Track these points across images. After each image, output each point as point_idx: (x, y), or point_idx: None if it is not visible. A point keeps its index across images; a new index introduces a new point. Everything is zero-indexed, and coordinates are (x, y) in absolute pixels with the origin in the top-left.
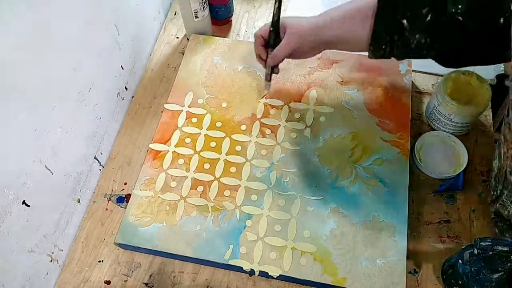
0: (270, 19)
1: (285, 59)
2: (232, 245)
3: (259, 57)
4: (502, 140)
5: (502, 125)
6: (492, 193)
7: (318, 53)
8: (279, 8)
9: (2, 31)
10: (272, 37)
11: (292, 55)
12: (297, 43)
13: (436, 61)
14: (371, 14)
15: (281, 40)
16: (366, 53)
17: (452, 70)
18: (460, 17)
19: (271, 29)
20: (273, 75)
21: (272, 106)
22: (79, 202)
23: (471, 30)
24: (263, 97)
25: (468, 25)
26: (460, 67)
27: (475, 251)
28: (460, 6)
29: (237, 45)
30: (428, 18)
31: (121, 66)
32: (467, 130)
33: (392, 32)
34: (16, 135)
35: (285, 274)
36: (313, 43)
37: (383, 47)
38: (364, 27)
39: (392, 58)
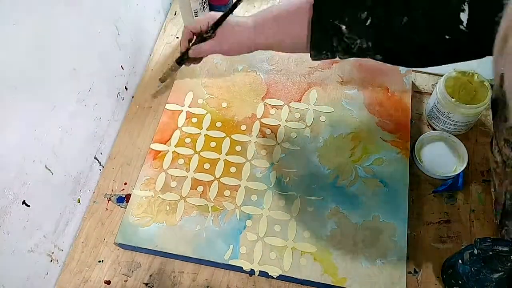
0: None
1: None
2: (232, 245)
3: (183, 47)
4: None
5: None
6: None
7: (248, 53)
8: (232, 9)
9: (2, 31)
10: (210, 29)
11: (220, 53)
12: (228, 46)
13: (385, 62)
14: (308, 17)
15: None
16: None
17: (452, 70)
18: (404, 30)
19: (210, 29)
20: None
21: (272, 106)
22: (79, 202)
23: (417, 42)
24: (263, 98)
25: (413, 38)
26: (412, 67)
27: (475, 251)
28: (404, 19)
29: None
30: (368, 22)
31: (121, 66)
32: (466, 130)
33: (330, 37)
34: (16, 135)
35: (285, 274)
36: (246, 48)
37: (324, 52)
38: (303, 30)
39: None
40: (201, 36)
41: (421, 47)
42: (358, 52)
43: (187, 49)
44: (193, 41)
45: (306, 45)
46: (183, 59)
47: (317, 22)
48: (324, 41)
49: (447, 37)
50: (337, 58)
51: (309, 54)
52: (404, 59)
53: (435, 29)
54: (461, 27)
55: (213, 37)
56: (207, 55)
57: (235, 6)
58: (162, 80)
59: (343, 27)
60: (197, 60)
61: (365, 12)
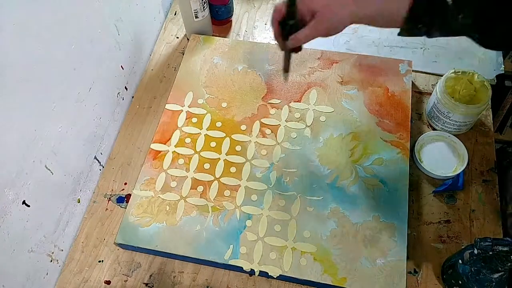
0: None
1: None
2: (232, 245)
3: (276, 35)
4: None
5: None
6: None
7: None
8: None
9: (2, 31)
10: (291, 12)
11: (318, 36)
12: (327, 30)
13: (480, 44)
14: None
15: (300, 20)
16: (366, 53)
17: (452, 70)
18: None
19: (291, 4)
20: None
21: (272, 106)
22: (79, 202)
23: None
24: (263, 98)
25: None
26: (502, 50)
27: (475, 251)
28: None
29: (237, 45)
30: None
31: (121, 66)
32: (466, 130)
33: (433, 13)
34: (16, 135)
35: (285, 274)
36: (346, 24)
37: (419, 26)
38: (403, 2)
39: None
40: (290, 20)
41: None
42: (456, 29)
43: (289, 47)
44: (285, 30)
45: (403, 17)
46: (286, 53)
47: None
48: (425, 12)
49: None
50: (425, 36)
51: (399, 29)
52: (504, 38)
53: None
54: None
55: (307, 21)
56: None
57: None
58: (286, 70)
59: (450, 0)
60: (297, 49)
61: None
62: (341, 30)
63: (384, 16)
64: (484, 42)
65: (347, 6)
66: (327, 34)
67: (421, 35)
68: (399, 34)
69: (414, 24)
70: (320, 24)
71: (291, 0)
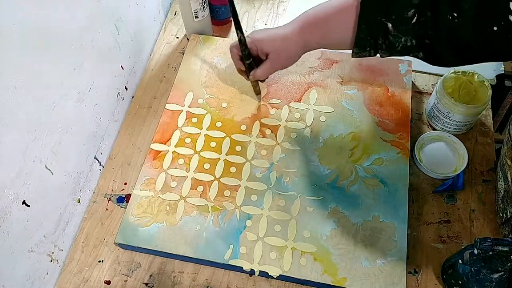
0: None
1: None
2: (232, 245)
3: (239, 70)
4: (509, 163)
5: (504, 147)
6: (500, 215)
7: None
8: (237, 25)
9: (2, 31)
10: (245, 54)
11: (276, 71)
12: (282, 66)
13: (425, 61)
14: (354, 14)
15: (257, 55)
16: None
17: (452, 69)
18: (450, 25)
19: (242, 49)
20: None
21: (272, 106)
22: (79, 202)
23: (463, 37)
24: (263, 98)
25: (459, 33)
26: (450, 67)
27: (475, 251)
28: (455, 14)
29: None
30: (414, 20)
31: (121, 66)
32: (466, 130)
33: (376, 35)
34: (16, 135)
35: (285, 274)
36: (297, 57)
37: (367, 49)
38: (348, 28)
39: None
40: (247, 58)
41: (466, 42)
42: (401, 50)
43: (252, 81)
44: (245, 66)
45: (350, 43)
46: (251, 82)
47: (363, 20)
48: (369, 38)
49: (495, 28)
50: (377, 56)
51: (351, 51)
52: (446, 57)
53: (483, 20)
54: (511, 17)
55: (263, 58)
56: (267, 77)
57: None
58: (257, 93)
59: (389, 25)
60: (262, 80)
61: (412, 10)
62: (296, 61)
63: (332, 44)
64: (430, 61)
65: (295, 44)
66: (282, 68)
67: (371, 56)
68: (352, 56)
69: (362, 47)
70: (274, 62)
71: (242, 46)
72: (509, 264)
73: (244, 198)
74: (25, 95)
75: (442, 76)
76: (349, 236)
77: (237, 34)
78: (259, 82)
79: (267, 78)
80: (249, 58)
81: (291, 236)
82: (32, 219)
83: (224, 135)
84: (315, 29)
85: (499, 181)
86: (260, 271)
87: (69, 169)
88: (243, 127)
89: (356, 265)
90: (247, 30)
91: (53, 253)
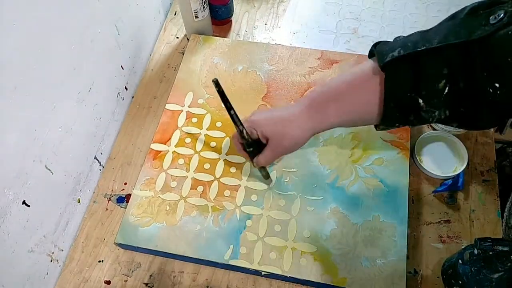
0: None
1: None
2: (232, 245)
3: (245, 157)
4: None
5: None
6: (506, 225)
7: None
8: (234, 118)
9: (2, 31)
10: (245, 144)
11: (280, 156)
12: (285, 151)
13: (460, 128)
14: (378, 91)
15: (259, 141)
16: (366, 54)
17: None
18: (496, 94)
19: (242, 139)
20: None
21: (272, 106)
22: (79, 202)
23: (498, 100)
24: (263, 98)
25: (506, 102)
26: (486, 128)
27: (475, 251)
28: (497, 85)
29: (237, 45)
30: (446, 91)
31: (121, 66)
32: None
33: (406, 112)
34: (16, 135)
35: (285, 274)
36: (305, 140)
37: (396, 125)
38: (371, 106)
39: None
40: (249, 146)
41: (501, 104)
42: (433, 121)
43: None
44: (249, 153)
45: (374, 120)
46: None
47: (391, 98)
48: (399, 116)
49: None
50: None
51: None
52: (484, 124)
53: None
54: None
55: (264, 144)
56: (270, 164)
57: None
58: (266, 178)
59: (420, 100)
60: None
61: (443, 80)
62: (303, 144)
63: (349, 123)
64: (465, 127)
65: (299, 128)
66: (287, 153)
67: (399, 127)
68: (376, 130)
69: (390, 124)
70: (275, 148)
71: (241, 134)
72: (509, 264)
73: (244, 198)
74: (25, 95)
75: None
76: (349, 236)
77: (236, 126)
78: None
79: (272, 163)
80: (250, 147)
81: (291, 236)
82: (32, 219)
83: (224, 135)
84: (328, 110)
85: None
86: (265, 271)
87: (69, 169)
88: None
89: (356, 265)
90: (247, 30)
91: (53, 253)
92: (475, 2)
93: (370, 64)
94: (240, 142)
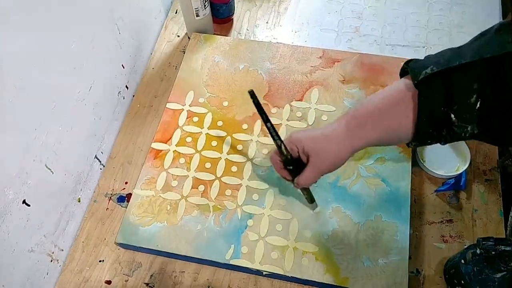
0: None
1: None
2: (233, 245)
3: (285, 179)
4: None
5: None
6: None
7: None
8: (271, 132)
9: (2, 30)
10: (285, 161)
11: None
12: (326, 168)
13: (493, 144)
14: (411, 107)
15: (299, 160)
16: (368, 52)
17: None
18: None
19: (282, 155)
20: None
21: (274, 105)
22: (79, 201)
23: None
24: (264, 96)
25: None
26: None
27: (478, 251)
28: None
29: (238, 43)
30: (478, 106)
31: (122, 65)
32: None
33: (439, 127)
34: (16, 134)
35: (286, 274)
36: (345, 158)
37: (428, 141)
38: (405, 123)
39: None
40: (288, 164)
41: None
42: (465, 137)
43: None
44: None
45: (408, 137)
46: (300, 189)
47: (423, 113)
48: (432, 131)
49: None
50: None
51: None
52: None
53: None
54: None
55: (305, 161)
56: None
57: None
58: (310, 202)
59: (452, 115)
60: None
61: (474, 96)
62: (343, 163)
63: (385, 141)
64: (497, 144)
65: (338, 144)
66: (328, 171)
67: (432, 144)
68: (407, 146)
69: (423, 141)
70: (316, 166)
71: (279, 149)
72: (511, 264)
73: (245, 198)
74: (25, 95)
75: None
76: (351, 235)
77: (274, 140)
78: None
79: (315, 183)
80: (290, 165)
81: (292, 236)
82: (32, 218)
83: (225, 134)
84: (366, 126)
85: None
86: (267, 271)
87: (70, 168)
88: (244, 126)
89: (358, 264)
90: (248, 29)
91: (53, 253)
92: (501, 21)
93: (404, 82)
94: (279, 160)
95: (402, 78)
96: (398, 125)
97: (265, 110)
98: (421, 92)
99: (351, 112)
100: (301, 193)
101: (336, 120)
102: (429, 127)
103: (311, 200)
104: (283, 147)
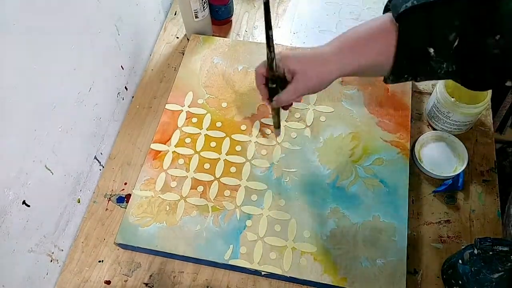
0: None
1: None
2: (232, 245)
3: (263, 98)
4: None
5: None
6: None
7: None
8: (269, 41)
9: (2, 30)
10: (270, 76)
11: (302, 95)
12: (308, 90)
13: (463, 85)
14: (394, 38)
15: (285, 79)
16: None
17: None
18: (491, 48)
19: (269, 69)
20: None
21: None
22: (79, 202)
23: (502, 63)
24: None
25: (500, 54)
26: (488, 89)
27: (475, 251)
28: (498, 39)
29: (237, 45)
30: (456, 44)
31: (121, 66)
32: (466, 130)
33: (416, 61)
34: (16, 135)
35: (285, 274)
36: (328, 82)
37: (405, 76)
38: (385, 54)
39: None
40: (272, 82)
41: (501, 61)
42: (442, 76)
43: (274, 107)
44: (269, 91)
45: (386, 69)
46: (274, 110)
47: (403, 45)
48: (409, 65)
49: None
50: (415, 81)
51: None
52: (483, 79)
53: None
54: None
55: (289, 80)
56: (292, 103)
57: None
58: (276, 126)
59: (431, 50)
60: (286, 107)
61: (454, 33)
62: (327, 86)
63: (367, 71)
64: (467, 86)
65: (328, 64)
66: (309, 93)
67: (406, 81)
68: (384, 81)
69: (400, 74)
70: (299, 84)
71: (270, 64)
72: (509, 264)
73: (244, 198)
74: (25, 95)
75: None
76: (349, 236)
77: (269, 52)
78: (281, 111)
79: (291, 105)
80: (274, 83)
81: (291, 236)
82: (32, 219)
83: (224, 135)
84: (354, 51)
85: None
86: (265, 271)
87: (69, 169)
88: (243, 127)
89: (356, 265)
90: (247, 30)
91: (53, 253)
92: None
93: (389, 15)
94: (264, 75)
95: (388, 12)
96: (381, 56)
97: (264, 110)
98: (401, 25)
99: (343, 37)
100: (274, 113)
101: (326, 44)
102: (407, 60)
103: (278, 124)
104: (275, 62)
